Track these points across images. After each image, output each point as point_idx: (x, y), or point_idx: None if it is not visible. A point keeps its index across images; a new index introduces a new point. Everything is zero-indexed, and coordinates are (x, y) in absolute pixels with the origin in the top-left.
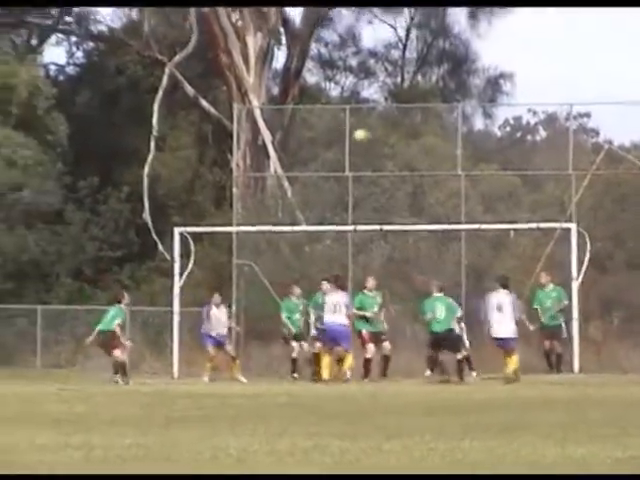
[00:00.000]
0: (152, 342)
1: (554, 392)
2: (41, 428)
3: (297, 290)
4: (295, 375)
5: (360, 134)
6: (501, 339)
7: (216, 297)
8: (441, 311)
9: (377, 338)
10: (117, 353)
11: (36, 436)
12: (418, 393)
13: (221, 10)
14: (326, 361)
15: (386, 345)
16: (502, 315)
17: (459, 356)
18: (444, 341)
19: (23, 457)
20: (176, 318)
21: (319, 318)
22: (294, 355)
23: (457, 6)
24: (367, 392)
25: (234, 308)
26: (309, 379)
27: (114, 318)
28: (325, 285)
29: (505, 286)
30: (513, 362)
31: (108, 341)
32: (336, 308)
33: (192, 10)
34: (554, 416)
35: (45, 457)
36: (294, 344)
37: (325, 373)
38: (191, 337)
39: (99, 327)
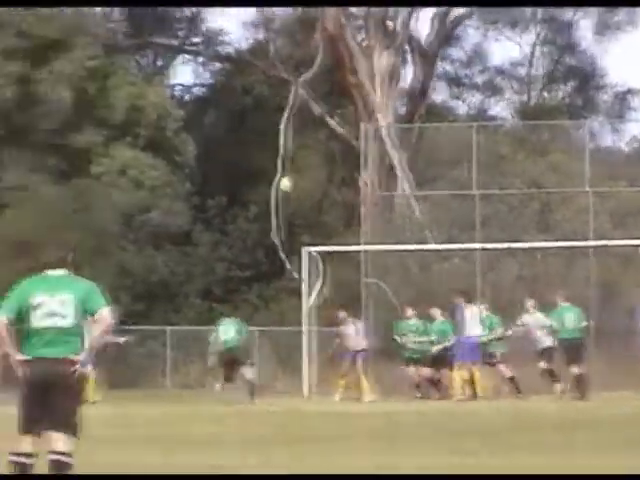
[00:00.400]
0: (283, 361)
1: None
2: (173, 449)
3: (410, 311)
4: (417, 395)
5: (285, 183)
6: None
7: (341, 314)
8: (570, 319)
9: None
10: (246, 372)
11: (168, 456)
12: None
13: (347, 30)
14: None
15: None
16: None
17: (577, 370)
18: (570, 350)
19: None
20: (305, 337)
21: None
22: (415, 379)
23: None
24: (498, 409)
25: (363, 327)
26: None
27: (239, 333)
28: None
29: None
30: None
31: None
32: (473, 322)
33: (318, 30)
34: None
35: None
36: (411, 369)
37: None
38: (321, 356)
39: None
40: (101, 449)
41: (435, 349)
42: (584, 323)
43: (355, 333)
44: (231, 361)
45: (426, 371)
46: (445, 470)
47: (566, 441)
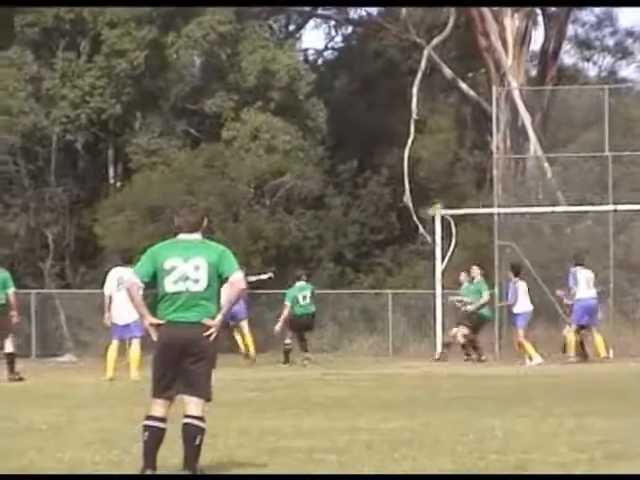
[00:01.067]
0: (415, 325)
1: None
2: (307, 413)
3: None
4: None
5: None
6: None
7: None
8: None
9: None
10: None
11: (302, 421)
12: None
13: None
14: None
15: None
16: None
17: None
18: None
19: (290, 442)
20: (439, 301)
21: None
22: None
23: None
24: (629, 371)
25: (496, 290)
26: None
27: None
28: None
29: None
30: None
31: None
32: (589, 284)
33: None
34: None
35: (311, 442)
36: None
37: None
38: (450, 319)
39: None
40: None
41: (469, 309)
42: None
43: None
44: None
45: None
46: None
47: None
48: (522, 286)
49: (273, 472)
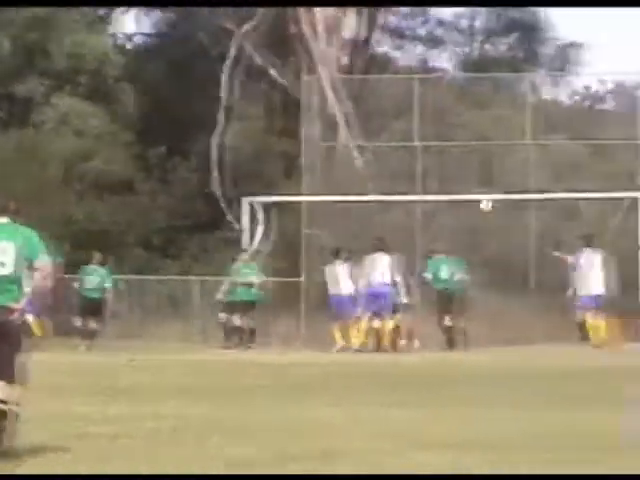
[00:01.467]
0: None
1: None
2: (113, 399)
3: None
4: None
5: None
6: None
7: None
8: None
9: None
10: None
11: (109, 407)
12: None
13: None
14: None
15: None
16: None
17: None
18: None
19: (97, 428)
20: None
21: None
22: None
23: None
24: (433, 361)
25: (303, 277)
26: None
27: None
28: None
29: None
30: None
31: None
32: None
33: None
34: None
35: (117, 428)
36: None
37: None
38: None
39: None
40: (48, 397)
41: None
42: (459, 276)
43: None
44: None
45: None
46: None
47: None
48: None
49: (79, 457)
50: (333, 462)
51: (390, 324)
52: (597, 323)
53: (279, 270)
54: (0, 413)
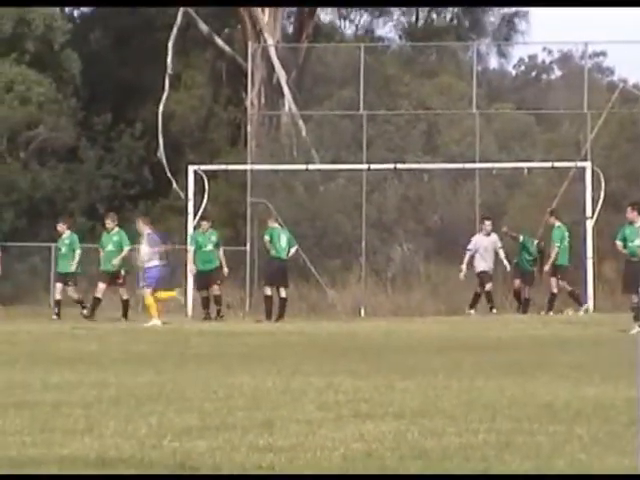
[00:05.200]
0: (167, 280)
1: (568, 331)
2: (55, 367)
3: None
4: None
5: None
6: None
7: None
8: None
9: None
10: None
11: (50, 375)
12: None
13: None
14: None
15: None
16: None
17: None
18: None
19: (38, 396)
20: (190, 256)
21: None
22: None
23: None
24: (380, 330)
25: (248, 246)
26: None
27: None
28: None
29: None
30: None
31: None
32: None
33: None
34: (568, 356)
35: (59, 396)
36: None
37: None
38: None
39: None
40: None
41: None
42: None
43: None
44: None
45: None
46: None
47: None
48: None
49: (19, 426)
50: (272, 432)
51: None
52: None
53: (224, 239)
54: None
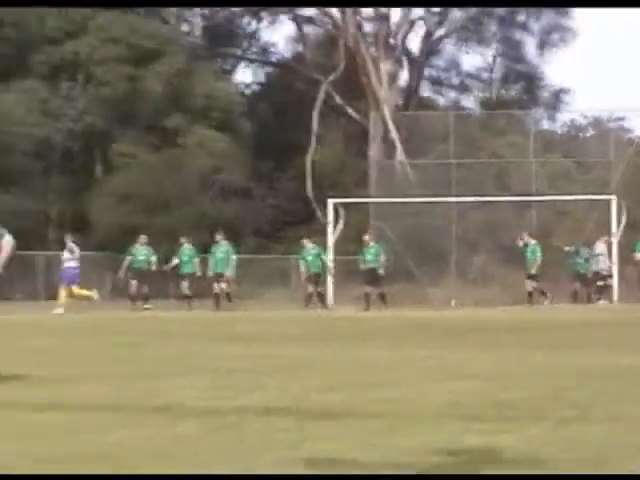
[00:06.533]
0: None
1: (602, 315)
2: (239, 342)
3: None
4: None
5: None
6: None
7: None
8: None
9: None
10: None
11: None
12: (501, 317)
13: (361, 44)
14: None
15: None
16: None
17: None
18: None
19: (220, 363)
20: (330, 264)
21: None
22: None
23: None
24: (465, 316)
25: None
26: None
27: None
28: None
29: None
30: None
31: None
32: None
33: (340, 44)
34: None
35: (240, 364)
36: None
37: None
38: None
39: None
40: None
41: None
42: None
43: None
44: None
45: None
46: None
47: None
48: None
49: (205, 385)
50: (394, 388)
51: None
52: None
53: (349, 251)
54: None
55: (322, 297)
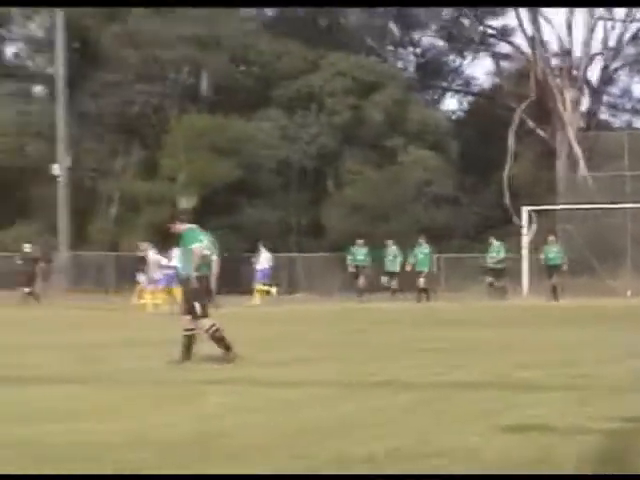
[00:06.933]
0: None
1: None
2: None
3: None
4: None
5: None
6: None
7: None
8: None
9: None
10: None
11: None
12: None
13: (549, 76)
14: None
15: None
16: None
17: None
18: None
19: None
20: (525, 261)
21: None
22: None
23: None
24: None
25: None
26: None
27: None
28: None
29: None
30: None
31: None
32: None
33: (532, 76)
34: None
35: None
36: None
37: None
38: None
39: None
40: None
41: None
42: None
43: None
44: None
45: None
46: None
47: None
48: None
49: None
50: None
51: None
52: None
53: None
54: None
55: (503, 290)
